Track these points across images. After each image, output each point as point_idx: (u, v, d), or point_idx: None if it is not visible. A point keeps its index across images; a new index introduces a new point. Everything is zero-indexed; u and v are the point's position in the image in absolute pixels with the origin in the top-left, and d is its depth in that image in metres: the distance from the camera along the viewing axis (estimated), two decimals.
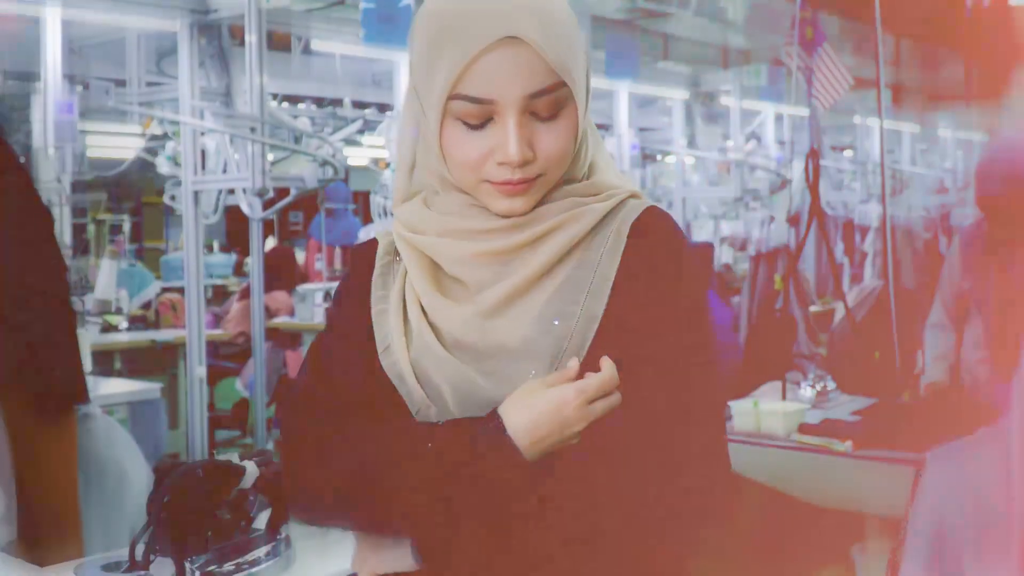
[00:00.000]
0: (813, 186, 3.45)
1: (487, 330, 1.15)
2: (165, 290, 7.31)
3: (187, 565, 1.62)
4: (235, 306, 6.96)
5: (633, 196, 1.22)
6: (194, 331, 4.60)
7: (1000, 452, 0.97)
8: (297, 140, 5.04)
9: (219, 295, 8.48)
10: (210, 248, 10.66)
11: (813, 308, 7.08)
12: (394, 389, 1.17)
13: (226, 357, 6.53)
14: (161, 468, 1.68)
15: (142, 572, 1.70)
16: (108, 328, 6.17)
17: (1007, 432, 0.96)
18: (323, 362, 1.25)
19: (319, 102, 5.58)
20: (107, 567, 1.77)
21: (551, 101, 1.11)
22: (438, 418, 1.14)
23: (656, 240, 1.17)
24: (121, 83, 4.70)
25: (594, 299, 1.15)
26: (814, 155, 3.45)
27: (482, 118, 1.11)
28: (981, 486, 0.98)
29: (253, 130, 4.12)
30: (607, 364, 1.11)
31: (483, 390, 1.13)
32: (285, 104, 5.92)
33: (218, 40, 4.54)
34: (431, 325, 1.17)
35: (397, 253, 1.25)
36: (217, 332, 6.34)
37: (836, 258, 4.69)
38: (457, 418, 1.13)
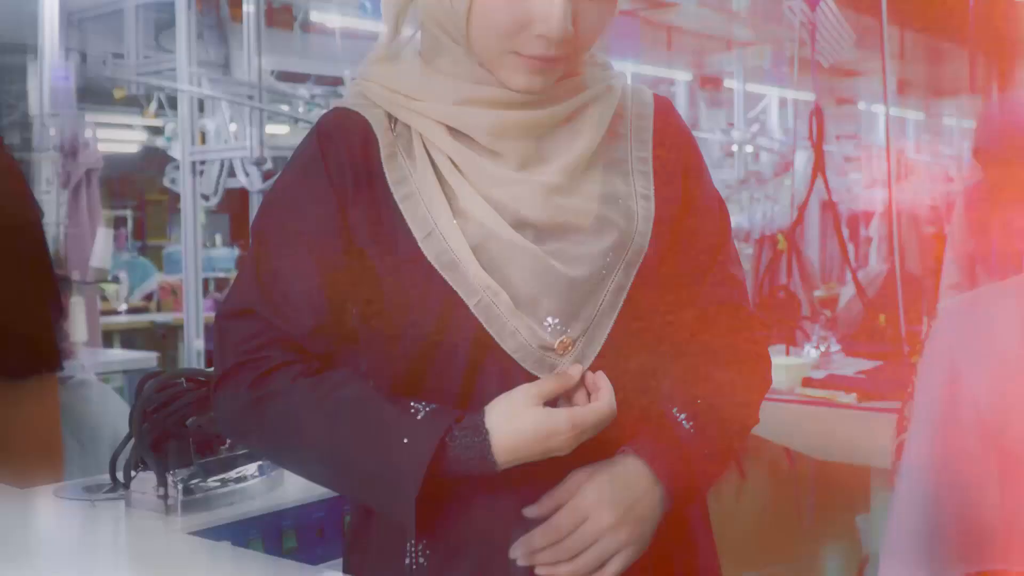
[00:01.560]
0: (817, 145, 3.43)
1: (556, 208, 1.07)
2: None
3: (168, 478, 1.58)
4: None
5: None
6: (192, 305, 4.56)
7: (1017, 300, 0.93)
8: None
9: (221, 288, 8.51)
10: (213, 243, 10.67)
11: (818, 293, 7.05)
12: (435, 282, 1.05)
13: None
14: (142, 379, 1.63)
15: (124, 491, 1.66)
16: (107, 312, 6.16)
17: None
18: (298, 274, 1.09)
19: (319, 80, 5.55)
20: (88, 488, 1.73)
21: None
22: (506, 306, 1.04)
23: (678, 127, 1.20)
24: (119, 56, 4.67)
25: (641, 179, 1.13)
26: (818, 113, 3.44)
27: None
28: (997, 332, 0.93)
29: (251, 98, 4.09)
30: (605, 390, 1.04)
31: (558, 272, 1.05)
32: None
33: (216, 11, 4.51)
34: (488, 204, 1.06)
35: (394, 125, 1.11)
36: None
37: (843, 241, 4.65)
38: (440, 412, 1.03)
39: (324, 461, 1.08)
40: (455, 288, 1.05)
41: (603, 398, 1.04)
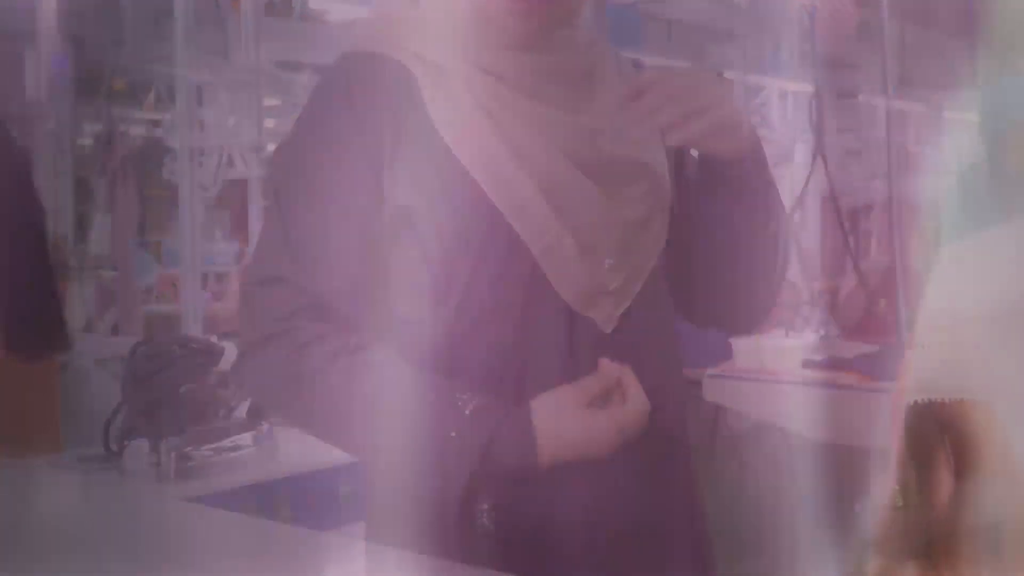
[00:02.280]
0: (817, 126, 3.44)
1: (604, 151, 1.06)
2: None
3: (161, 445, 1.57)
4: (235, 282, 6.94)
5: None
6: (190, 295, 4.55)
7: (1017, 244, 0.91)
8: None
9: (221, 282, 8.50)
10: (212, 238, 10.63)
11: (818, 285, 7.02)
12: (497, 225, 1.02)
13: None
14: (134, 345, 1.62)
15: (117, 460, 1.65)
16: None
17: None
18: (331, 236, 1.04)
19: (317, 69, 5.53)
20: (83, 458, 1.72)
21: None
22: (570, 249, 1.02)
23: None
24: (118, 43, 4.66)
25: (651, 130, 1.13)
26: (818, 96, 3.44)
27: None
28: (999, 276, 0.92)
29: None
30: (635, 387, 1.01)
31: (616, 213, 1.05)
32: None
33: None
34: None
35: (428, 68, 1.06)
36: (217, 305, 6.31)
37: (844, 228, 4.64)
38: (486, 409, 0.99)
39: (367, 446, 1.06)
40: (520, 232, 1.02)
41: (636, 396, 1.01)
